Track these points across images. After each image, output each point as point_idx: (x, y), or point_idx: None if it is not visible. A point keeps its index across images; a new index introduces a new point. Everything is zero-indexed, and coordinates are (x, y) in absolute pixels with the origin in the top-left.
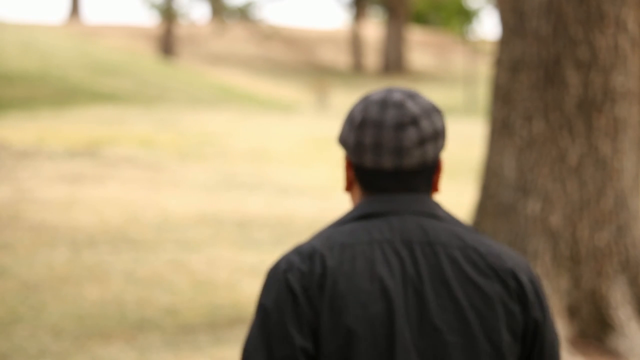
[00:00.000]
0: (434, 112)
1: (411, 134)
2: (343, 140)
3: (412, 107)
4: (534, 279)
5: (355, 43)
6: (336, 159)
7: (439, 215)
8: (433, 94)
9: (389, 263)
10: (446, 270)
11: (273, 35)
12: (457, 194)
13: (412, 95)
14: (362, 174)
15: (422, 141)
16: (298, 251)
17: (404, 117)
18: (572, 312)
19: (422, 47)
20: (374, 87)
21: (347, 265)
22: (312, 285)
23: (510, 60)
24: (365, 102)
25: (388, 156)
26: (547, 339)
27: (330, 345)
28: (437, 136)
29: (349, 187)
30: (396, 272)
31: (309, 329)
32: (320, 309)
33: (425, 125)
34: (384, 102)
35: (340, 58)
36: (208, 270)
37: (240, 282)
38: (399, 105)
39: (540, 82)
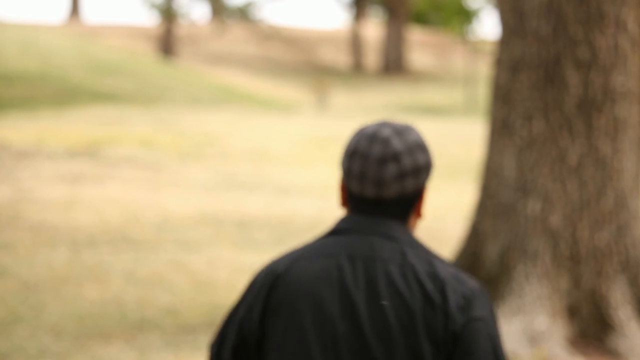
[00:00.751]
0: (417, 149)
1: (391, 169)
2: (341, 165)
3: (396, 144)
4: (470, 302)
5: (355, 43)
6: (336, 158)
7: (394, 236)
8: (433, 94)
9: (330, 274)
10: (379, 283)
11: (273, 35)
12: (457, 194)
13: (401, 132)
14: (350, 197)
15: (401, 176)
16: (266, 266)
17: (387, 153)
18: (572, 312)
19: (422, 47)
20: (374, 87)
21: (295, 276)
22: (265, 294)
23: (510, 60)
24: (359, 134)
25: (370, 186)
26: (476, 352)
27: (270, 336)
28: (418, 171)
29: (343, 204)
30: (335, 282)
31: (257, 317)
32: (267, 306)
33: (407, 161)
34: (373, 137)
35: (340, 58)
36: (208, 270)
37: (240, 282)
38: (385, 141)
39: (540, 82)
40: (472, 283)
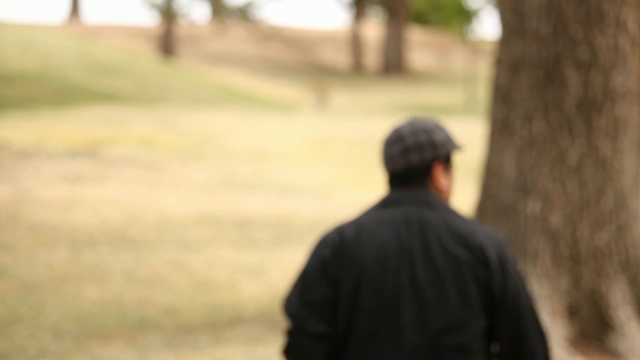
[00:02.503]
0: (421, 132)
1: (395, 148)
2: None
3: (403, 130)
4: (501, 252)
5: (355, 43)
6: (336, 158)
7: (434, 203)
8: (433, 94)
9: (391, 237)
10: (430, 243)
11: (273, 35)
12: (457, 194)
13: (414, 122)
14: (386, 176)
15: (404, 151)
16: (334, 230)
17: (394, 137)
18: (572, 312)
19: (422, 47)
20: (374, 87)
21: (362, 239)
22: (337, 256)
23: (510, 60)
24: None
25: (387, 163)
26: (510, 297)
27: (344, 291)
28: (421, 147)
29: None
30: (395, 243)
31: (331, 282)
32: (341, 267)
33: (409, 141)
34: (393, 129)
35: (340, 58)
36: (208, 270)
37: (240, 282)
38: (397, 130)
39: (540, 82)
40: (499, 235)
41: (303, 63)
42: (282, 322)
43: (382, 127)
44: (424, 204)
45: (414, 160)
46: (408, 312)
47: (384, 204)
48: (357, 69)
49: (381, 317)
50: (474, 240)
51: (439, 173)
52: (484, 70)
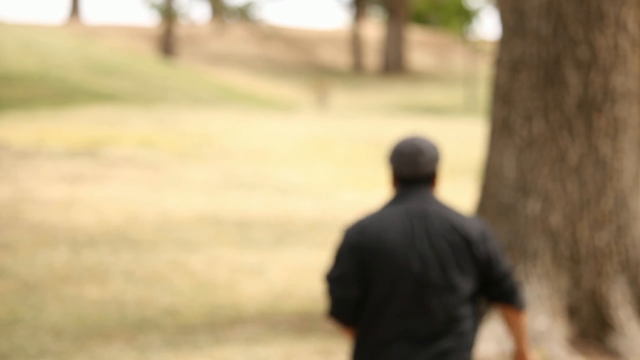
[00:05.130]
0: (431, 148)
1: (421, 160)
2: (390, 162)
3: (420, 145)
4: (482, 233)
5: (355, 43)
6: (336, 158)
7: (428, 200)
8: (433, 94)
9: (401, 225)
10: (430, 230)
11: (273, 35)
12: (457, 194)
13: (422, 140)
14: (399, 179)
15: (424, 163)
16: (356, 223)
17: (414, 150)
18: (572, 312)
19: (422, 47)
20: (374, 87)
21: (379, 228)
22: (361, 241)
23: (510, 60)
24: (400, 143)
25: (405, 170)
26: (494, 266)
27: (367, 268)
28: (433, 161)
29: (393, 186)
30: (405, 230)
31: (357, 260)
32: (364, 251)
33: (427, 155)
34: (409, 143)
35: (340, 58)
36: (208, 270)
37: (240, 282)
38: (415, 145)
39: (540, 82)
40: (481, 222)
41: (303, 63)
42: (282, 322)
43: (382, 127)
44: (425, 201)
45: (429, 170)
46: (416, 280)
47: (395, 200)
48: (357, 69)
49: (395, 284)
50: (461, 226)
51: (437, 177)
52: (484, 70)
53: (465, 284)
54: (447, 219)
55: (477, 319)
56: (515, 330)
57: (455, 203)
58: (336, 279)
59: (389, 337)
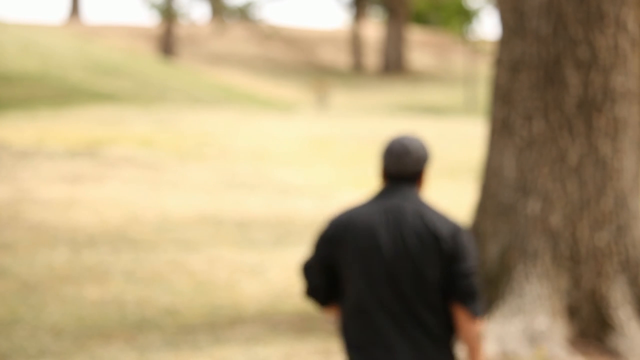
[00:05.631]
0: (420, 148)
1: (404, 159)
2: (382, 158)
3: (409, 145)
4: (453, 231)
5: (355, 43)
6: (336, 158)
7: (410, 197)
8: (433, 94)
9: (377, 220)
10: (403, 225)
11: (273, 35)
12: (457, 194)
13: (411, 139)
14: (386, 175)
15: (411, 163)
16: (335, 217)
17: (402, 150)
18: (572, 312)
19: (422, 47)
20: (374, 87)
21: (357, 222)
22: (335, 233)
23: (510, 60)
24: (391, 142)
25: (393, 168)
26: (458, 262)
27: (340, 258)
28: (420, 160)
29: (383, 180)
30: (379, 224)
31: (330, 251)
32: (337, 243)
33: (414, 155)
34: (398, 142)
35: (340, 58)
36: (208, 270)
37: (240, 282)
38: (403, 145)
39: (540, 82)
40: (454, 222)
41: (303, 63)
42: (282, 322)
43: (382, 127)
44: (405, 198)
45: (414, 169)
46: (385, 269)
47: (377, 196)
48: (357, 69)
49: (366, 273)
50: (432, 223)
51: (424, 176)
52: (484, 70)
53: (432, 277)
54: (421, 215)
55: (450, 322)
56: (466, 338)
57: (455, 203)
58: (308, 267)
59: (365, 323)
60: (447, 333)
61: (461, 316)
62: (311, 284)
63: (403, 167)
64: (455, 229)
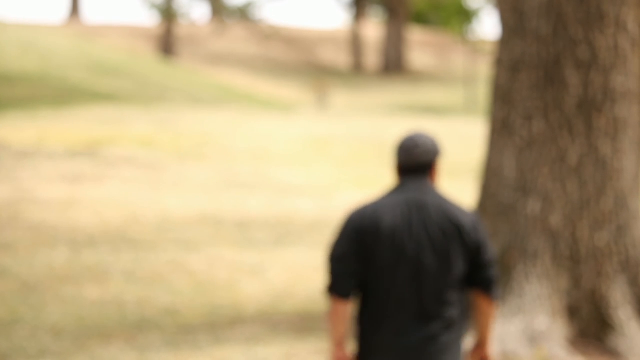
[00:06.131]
0: (429, 143)
1: (415, 151)
2: (396, 153)
3: (419, 140)
4: (473, 222)
5: (355, 43)
6: (336, 158)
7: (430, 191)
8: (433, 94)
9: (400, 213)
10: (426, 218)
11: (273, 35)
12: (457, 194)
13: (422, 135)
14: (400, 169)
15: (421, 154)
16: (358, 209)
17: (413, 144)
18: (572, 312)
19: (422, 47)
20: (374, 87)
21: (379, 215)
22: (362, 224)
23: (510, 60)
24: (404, 138)
25: (405, 161)
26: (482, 253)
27: (367, 249)
28: (429, 153)
29: (397, 174)
30: (403, 217)
31: (359, 241)
32: (365, 234)
33: (423, 148)
34: (410, 138)
35: (340, 58)
36: (208, 270)
37: (240, 282)
38: (414, 139)
39: (540, 82)
40: (473, 214)
41: (303, 63)
42: (282, 322)
43: (382, 127)
44: (423, 191)
45: (423, 160)
46: (411, 263)
47: (395, 190)
48: (357, 69)
49: (392, 266)
50: (455, 216)
51: (435, 169)
52: (484, 70)
53: (456, 268)
54: (442, 208)
55: (466, 309)
56: (484, 319)
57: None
58: (339, 257)
59: (385, 315)
60: (460, 322)
61: (482, 301)
62: (342, 273)
63: (413, 159)
64: (475, 221)
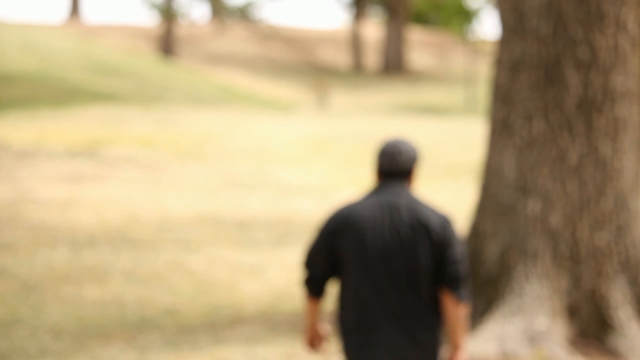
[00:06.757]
0: (410, 150)
1: (397, 158)
2: (377, 157)
3: (400, 147)
4: (442, 222)
5: (355, 43)
6: (336, 158)
7: (403, 193)
8: (433, 94)
9: (373, 214)
10: (397, 219)
11: (273, 35)
12: (457, 194)
13: (403, 142)
14: (380, 173)
15: (402, 161)
16: (335, 211)
17: (395, 150)
18: (572, 312)
19: (422, 47)
20: (374, 87)
21: (355, 216)
22: (336, 227)
23: (510, 60)
24: (385, 144)
25: (386, 167)
26: (448, 249)
27: (340, 251)
28: (409, 160)
29: (377, 178)
30: (376, 218)
31: (331, 244)
32: (339, 236)
33: (405, 155)
34: (390, 144)
35: (340, 58)
36: (208, 270)
37: (240, 282)
38: (396, 146)
39: (540, 82)
40: (443, 214)
41: (303, 63)
42: (282, 322)
43: (382, 127)
44: (398, 194)
45: (405, 167)
46: (382, 259)
47: (372, 193)
48: (357, 69)
49: (366, 265)
50: (424, 215)
51: (414, 174)
52: (484, 70)
53: (425, 266)
54: (413, 209)
55: (438, 312)
56: (451, 321)
57: (455, 203)
58: (311, 259)
59: (362, 314)
60: (434, 319)
61: (447, 300)
62: (311, 273)
63: (396, 165)
64: (444, 220)
